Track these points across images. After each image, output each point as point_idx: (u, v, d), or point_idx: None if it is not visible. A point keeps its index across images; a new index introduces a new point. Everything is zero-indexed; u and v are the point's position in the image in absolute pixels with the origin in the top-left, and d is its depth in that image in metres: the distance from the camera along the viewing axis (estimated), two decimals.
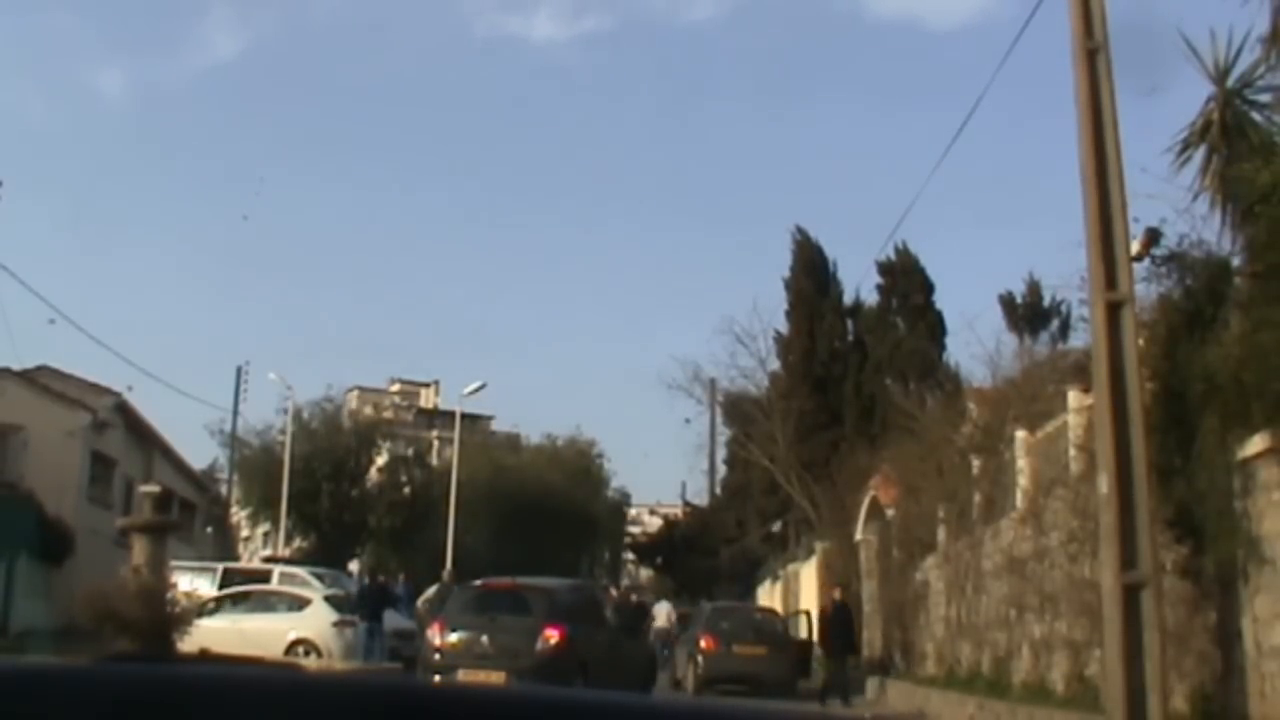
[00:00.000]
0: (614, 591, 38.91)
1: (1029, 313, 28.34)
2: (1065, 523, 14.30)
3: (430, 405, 76.13)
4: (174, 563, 23.02)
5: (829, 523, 31.38)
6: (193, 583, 24.41)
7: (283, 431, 49.17)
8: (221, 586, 25.53)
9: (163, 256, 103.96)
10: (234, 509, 52.90)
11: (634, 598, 38.95)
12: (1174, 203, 11.09)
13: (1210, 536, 10.42)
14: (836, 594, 23.73)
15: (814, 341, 39.22)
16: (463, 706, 1.73)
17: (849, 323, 40.14)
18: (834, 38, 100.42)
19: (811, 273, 40.49)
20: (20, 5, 73.01)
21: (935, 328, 37.40)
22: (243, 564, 35.64)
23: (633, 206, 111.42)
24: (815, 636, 24.72)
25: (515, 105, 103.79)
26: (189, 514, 39.24)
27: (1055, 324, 25.65)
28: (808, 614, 28.89)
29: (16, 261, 42.37)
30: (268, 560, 38.82)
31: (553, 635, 17.00)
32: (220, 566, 29.19)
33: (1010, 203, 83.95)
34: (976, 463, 19.43)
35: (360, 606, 23.63)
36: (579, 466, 57.96)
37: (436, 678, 15.95)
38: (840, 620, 22.64)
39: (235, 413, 48.78)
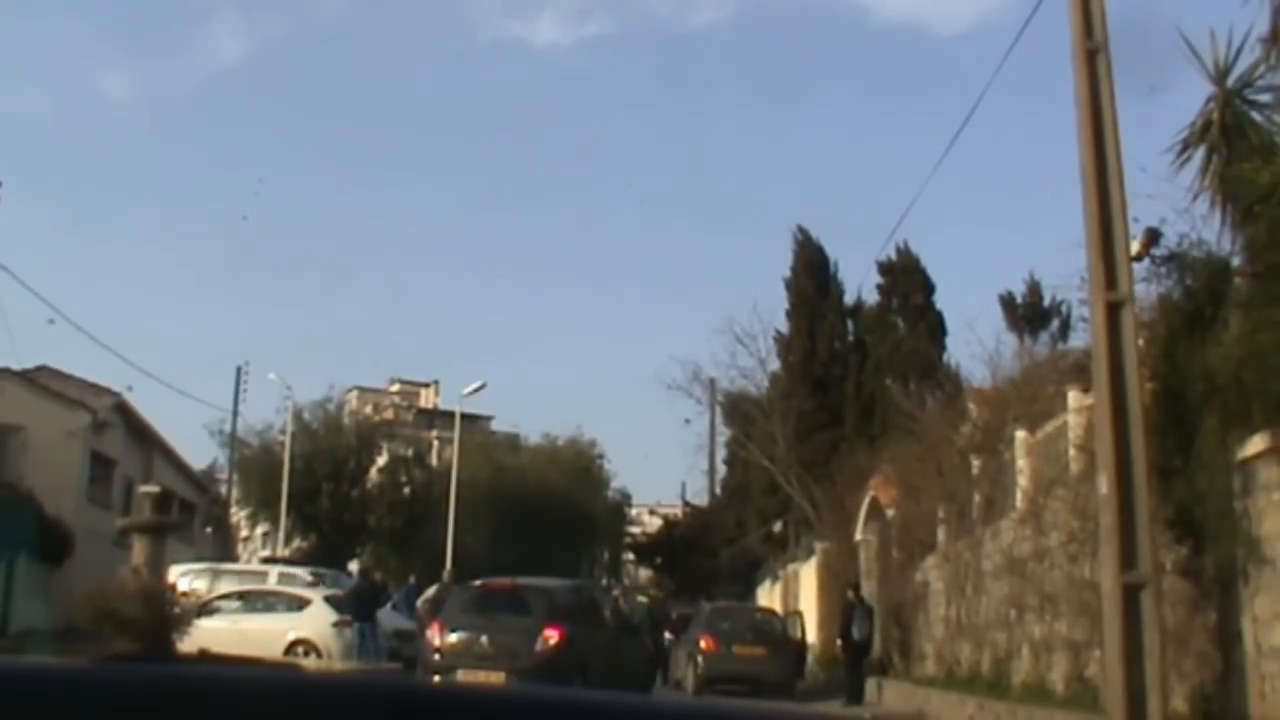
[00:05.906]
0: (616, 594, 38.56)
1: (1029, 313, 28.34)
2: (1065, 523, 14.29)
3: (430, 405, 76.05)
4: (182, 566, 23.02)
5: (829, 523, 31.34)
6: (193, 583, 24.38)
7: (283, 431, 49.18)
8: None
9: (163, 256, 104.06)
10: (234, 509, 52.91)
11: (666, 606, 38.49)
12: (1174, 203, 11.10)
13: (1210, 536, 10.42)
14: (851, 593, 23.40)
15: (814, 341, 39.21)
16: (463, 706, 1.73)
17: (849, 323, 40.14)
18: (836, 41, 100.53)
19: (812, 273, 40.49)
20: (26, 8, 73.15)
21: (935, 328, 37.38)
22: (241, 565, 35.55)
23: (633, 207, 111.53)
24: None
25: (517, 108, 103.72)
26: (189, 514, 39.26)
27: (1055, 324, 25.68)
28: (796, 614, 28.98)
29: (16, 261, 42.40)
30: (267, 560, 38.79)
31: (552, 635, 17.00)
32: (221, 568, 29.17)
33: (1010, 203, 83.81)
34: (976, 463, 19.42)
35: (353, 606, 23.48)
36: (579, 466, 57.89)
37: (436, 678, 15.98)
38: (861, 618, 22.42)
39: (235, 413, 48.89)
